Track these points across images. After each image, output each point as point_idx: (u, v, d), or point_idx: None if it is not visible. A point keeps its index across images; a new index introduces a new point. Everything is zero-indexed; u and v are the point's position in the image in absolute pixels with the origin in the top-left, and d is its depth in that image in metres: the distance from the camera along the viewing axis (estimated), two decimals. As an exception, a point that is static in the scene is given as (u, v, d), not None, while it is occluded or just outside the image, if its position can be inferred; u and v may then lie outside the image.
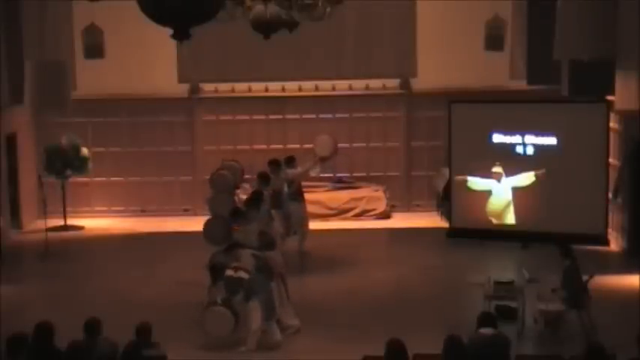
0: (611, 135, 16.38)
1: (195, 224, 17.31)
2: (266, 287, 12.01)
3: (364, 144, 20.20)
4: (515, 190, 16.77)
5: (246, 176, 16.36)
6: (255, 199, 13.97)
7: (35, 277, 15.79)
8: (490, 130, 16.90)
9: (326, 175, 20.12)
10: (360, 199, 19.62)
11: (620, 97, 14.36)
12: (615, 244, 16.54)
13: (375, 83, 20.02)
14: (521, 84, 17.90)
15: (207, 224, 13.85)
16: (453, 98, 17.73)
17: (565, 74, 15.94)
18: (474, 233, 16.97)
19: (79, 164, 18.84)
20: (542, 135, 16.51)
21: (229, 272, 12.13)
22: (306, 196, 19.49)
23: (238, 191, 15.98)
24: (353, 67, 19.85)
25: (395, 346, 8.28)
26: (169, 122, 20.09)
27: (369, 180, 20.15)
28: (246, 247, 12.73)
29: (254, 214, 13.57)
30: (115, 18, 17.97)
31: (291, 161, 16.48)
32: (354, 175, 20.24)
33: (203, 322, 12.03)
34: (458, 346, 8.43)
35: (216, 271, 12.35)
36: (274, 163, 16.05)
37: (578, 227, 15.92)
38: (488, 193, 17.00)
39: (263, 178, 15.41)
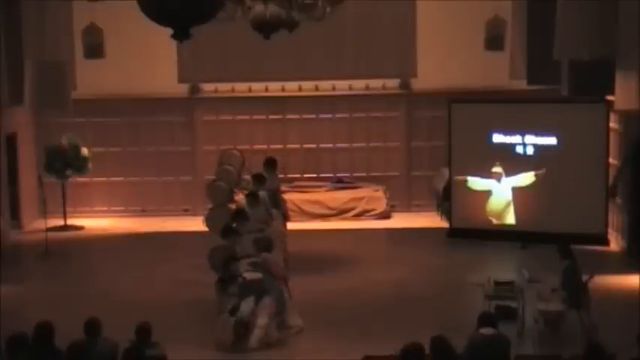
0: (611, 135, 16.38)
1: (195, 224, 17.39)
2: (277, 286, 12.21)
3: (364, 144, 20.20)
4: (515, 190, 16.77)
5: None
6: (239, 213, 14.07)
7: (35, 277, 15.78)
8: (490, 130, 16.90)
9: (326, 175, 20.19)
10: (360, 199, 19.62)
11: (620, 97, 14.35)
12: (615, 244, 16.54)
13: (375, 83, 20.02)
14: (521, 84, 17.89)
15: (211, 253, 13.97)
16: (453, 98, 17.73)
17: (565, 74, 15.93)
18: (474, 233, 16.97)
19: (79, 164, 18.84)
20: (542, 135, 16.51)
21: (246, 275, 12.22)
22: (307, 196, 19.63)
23: (238, 190, 16.06)
24: (353, 67, 19.84)
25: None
26: (169, 122, 20.09)
27: (369, 180, 20.14)
28: (243, 257, 12.83)
29: (244, 226, 13.67)
30: (115, 18, 17.99)
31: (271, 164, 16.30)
32: (354, 175, 20.24)
33: (213, 331, 12.08)
34: (443, 346, 8.46)
35: (225, 281, 12.30)
36: (270, 163, 16.03)
37: (578, 227, 15.92)
38: (489, 193, 17.00)
39: (258, 179, 15.42)
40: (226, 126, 20.06)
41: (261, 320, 11.94)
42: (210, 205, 16.18)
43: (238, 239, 13.32)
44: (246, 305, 12.01)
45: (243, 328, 11.84)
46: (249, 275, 12.29)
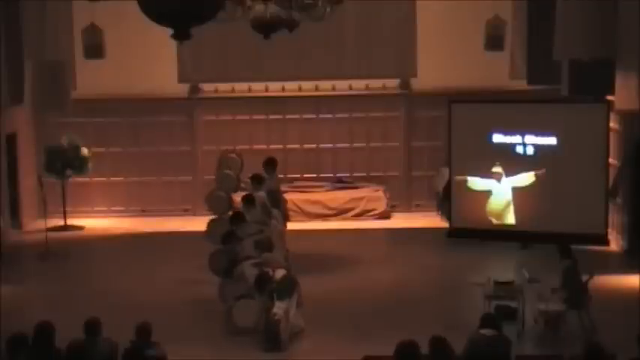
0: (611, 135, 16.37)
1: (196, 224, 17.38)
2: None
3: (364, 144, 20.20)
4: (515, 190, 16.76)
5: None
6: (237, 216, 14.09)
7: (35, 277, 15.77)
8: (490, 130, 16.89)
9: (326, 175, 20.19)
10: (360, 199, 19.62)
11: (620, 97, 14.35)
12: (615, 244, 16.53)
13: (375, 83, 20.02)
14: (521, 84, 17.88)
15: (211, 258, 13.99)
16: (453, 98, 17.72)
17: (565, 74, 15.93)
18: (474, 233, 16.96)
19: (79, 164, 18.84)
20: (542, 135, 16.50)
21: (275, 275, 12.34)
22: (307, 196, 19.64)
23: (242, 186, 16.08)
24: (353, 67, 19.83)
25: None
26: (169, 122, 20.09)
27: (369, 180, 20.14)
28: (244, 259, 12.88)
29: (244, 229, 13.69)
30: (115, 18, 17.99)
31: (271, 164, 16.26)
32: (354, 175, 20.24)
33: (230, 315, 12.29)
34: (442, 347, 8.48)
35: (262, 282, 12.31)
36: (269, 163, 16.01)
37: (578, 227, 15.91)
38: (488, 193, 16.98)
39: (257, 179, 15.39)
40: (226, 126, 20.05)
41: (292, 312, 12.13)
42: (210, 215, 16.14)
43: (239, 243, 13.36)
44: (282, 305, 11.99)
45: (278, 329, 11.83)
46: (277, 274, 12.33)
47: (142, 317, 9.59)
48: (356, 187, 19.95)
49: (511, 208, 16.84)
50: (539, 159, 16.50)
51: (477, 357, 9.07)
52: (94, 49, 17.93)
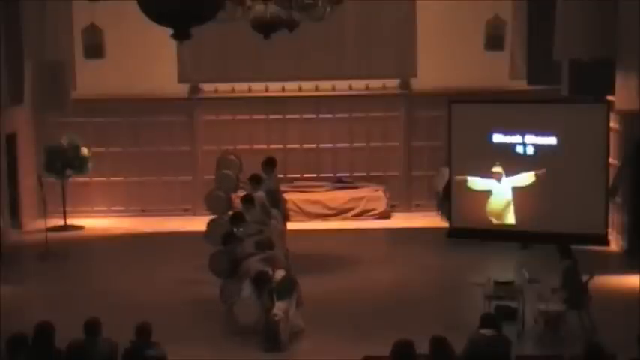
0: (611, 135, 16.37)
1: (196, 224, 17.38)
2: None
3: (364, 144, 20.20)
4: (515, 190, 16.76)
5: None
6: (237, 216, 14.10)
7: (35, 277, 15.77)
8: (490, 130, 16.89)
9: (326, 175, 20.19)
10: (360, 199, 19.62)
11: (620, 97, 14.35)
12: (615, 244, 16.53)
13: (375, 83, 20.02)
14: (521, 84, 17.89)
15: (211, 259, 13.98)
16: (453, 98, 17.72)
17: (565, 74, 15.93)
18: (474, 233, 16.96)
19: (79, 164, 18.84)
20: (542, 135, 16.50)
21: (278, 274, 12.39)
22: (307, 196, 19.64)
23: (240, 188, 16.06)
24: (353, 67, 19.83)
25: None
26: (169, 122, 20.09)
27: (369, 180, 20.14)
28: (244, 258, 12.91)
29: (243, 230, 13.70)
30: (115, 18, 18.00)
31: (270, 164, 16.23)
32: (354, 175, 20.24)
33: (232, 314, 12.37)
34: (443, 347, 8.48)
35: (261, 281, 12.30)
36: (269, 163, 16.00)
37: (578, 227, 15.91)
38: (488, 193, 16.99)
39: (255, 180, 15.38)
40: (226, 126, 20.05)
41: (291, 312, 12.15)
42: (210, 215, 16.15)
43: (240, 244, 13.37)
44: (282, 306, 12.00)
45: (278, 329, 11.83)
46: (277, 274, 12.35)
47: (142, 317, 9.59)
48: (356, 187, 19.95)
49: (511, 208, 16.85)
50: (539, 159, 16.50)
51: (477, 357, 9.07)
52: (94, 49, 17.94)
